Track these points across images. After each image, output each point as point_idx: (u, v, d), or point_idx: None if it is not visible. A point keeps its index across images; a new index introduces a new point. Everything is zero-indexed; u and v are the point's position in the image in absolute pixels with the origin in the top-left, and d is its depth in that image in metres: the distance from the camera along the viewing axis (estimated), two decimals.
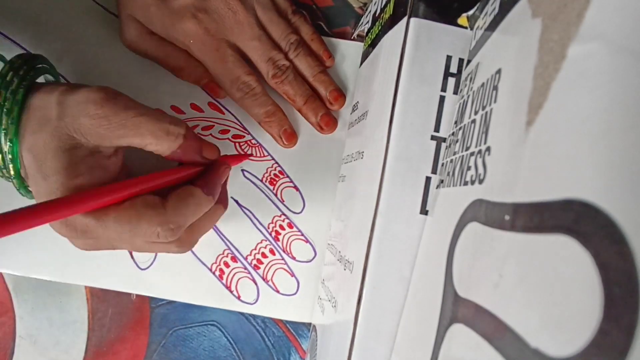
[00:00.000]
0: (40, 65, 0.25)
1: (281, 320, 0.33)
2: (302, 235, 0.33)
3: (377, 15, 0.28)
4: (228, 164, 0.28)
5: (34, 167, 0.22)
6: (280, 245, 0.33)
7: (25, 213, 0.18)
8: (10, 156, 0.22)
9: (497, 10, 0.18)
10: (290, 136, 0.32)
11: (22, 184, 0.24)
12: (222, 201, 0.28)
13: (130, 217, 0.22)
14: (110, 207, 0.22)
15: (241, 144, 0.33)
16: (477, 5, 0.20)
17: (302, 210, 0.33)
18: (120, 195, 0.22)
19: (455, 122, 0.20)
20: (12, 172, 0.23)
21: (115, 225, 0.22)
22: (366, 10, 0.33)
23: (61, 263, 0.31)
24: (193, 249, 0.32)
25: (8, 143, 0.22)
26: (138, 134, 0.23)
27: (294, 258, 0.33)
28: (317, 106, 0.32)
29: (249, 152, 0.33)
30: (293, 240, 0.33)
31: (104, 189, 0.22)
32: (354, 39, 0.34)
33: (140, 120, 0.23)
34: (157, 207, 0.22)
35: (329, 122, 0.32)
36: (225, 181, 0.28)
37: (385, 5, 0.26)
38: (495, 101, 0.16)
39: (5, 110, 0.22)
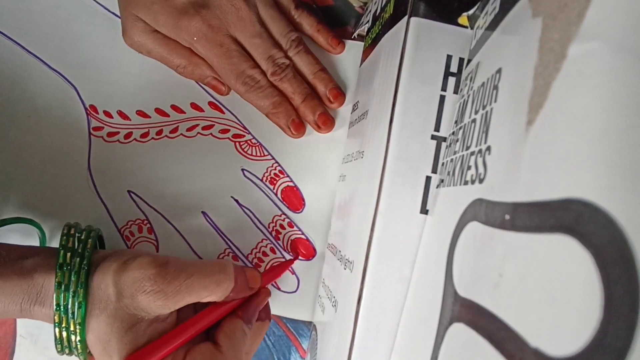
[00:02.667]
0: (90, 238, 0.26)
1: (281, 320, 0.33)
2: (303, 234, 0.33)
3: (377, 14, 0.28)
4: (268, 292, 0.29)
5: (99, 349, 0.23)
6: (281, 244, 0.33)
7: None
8: (78, 338, 0.23)
9: (497, 9, 0.18)
10: (298, 126, 0.32)
11: None
12: (267, 316, 0.29)
13: None
14: None
15: (241, 143, 0.33)
16: (478, 4, 0.20)
17: (303, 209, 0.33)
18: (174, 345, 0.24)
19: (456, 122, 0.20)
20: (79, 351, 0.24)
21: None
22: (366, 9, 0.33)
23: None
24: (194, 248, 0.32)
25: (78, 327, 0.23)
26: (193, 294, 0.24)
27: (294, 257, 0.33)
28: (315, 105, 0.32)
29: (249, 152, 0.33)
30: (293, 239, 0.33)
31: (157, 344, 0.23)
32: (354, 39, 0.34)
33: (193, 281, 0.24)
34: (215, 357, 0.24)
35: (326, 121, 0.32)
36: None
37: (386, 5, 0.26)
38: (495, 100, 0.16)
39: (71, 292, 0.23)
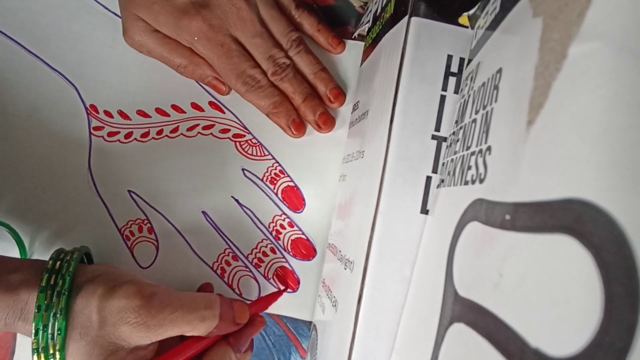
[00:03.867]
0: (73, 260, 0.26)
1: (282, 319, 0.33)
2: (303, 234, 0.33)
3: (378, 14, 0.28)
4: (263, 322, 0.29)
5: None
6: (281, 244, 0.33)
7: None
8: None
9: (498, 9, 0.18)
10: (299, 126, 0.32)
11: None
12: (251, 346, 0.29)
13: None
14: None
15: (241, 143, 0.33)
16: (478, 4, 0.20)
17: (303, 209, 0.33)
18: None
19: (456, 122, 0.20)
20: None
21: None
22: (367, 9, 0.33)
23: None
24: (194, 248, 0.32)
25: (57, 354, 0.23)
26: (176, 328, 0.24)
27: (294, 256, 0.33)
28: (316, 104, 0.32)
29: (249, 152, 0.33)
30: (294, 239, 0.33)
31: None
32: (354, 39, 0.34)
33: (177, 316, 0.24)
34: None
35: (326, 120, 0.32)
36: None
37: (386, 5, 0.26)
38: (496, 100, 0.16)
39: (51, 316, 0.23)
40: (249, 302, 0.29)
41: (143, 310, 0.23)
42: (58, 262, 0.25)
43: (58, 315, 0.23)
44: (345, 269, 0.24)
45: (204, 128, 0.33)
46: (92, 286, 0.24)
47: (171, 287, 0.32)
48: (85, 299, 0.23)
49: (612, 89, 0.10)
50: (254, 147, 0.33)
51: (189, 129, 0.33)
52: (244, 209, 0.33)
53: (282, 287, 0.32)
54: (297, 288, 0.33)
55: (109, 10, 0.33)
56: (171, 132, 0.33)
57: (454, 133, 0.20)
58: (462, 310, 0.15)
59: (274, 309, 0.32)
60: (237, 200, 0.33)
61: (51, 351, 0.23)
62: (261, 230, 0.33)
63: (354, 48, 0.34)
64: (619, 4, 0.10)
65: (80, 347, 0.23)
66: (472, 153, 0.17)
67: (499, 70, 0.16)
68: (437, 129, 0.20)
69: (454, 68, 0.21)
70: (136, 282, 0.25)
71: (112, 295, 0.23)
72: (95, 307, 0.23)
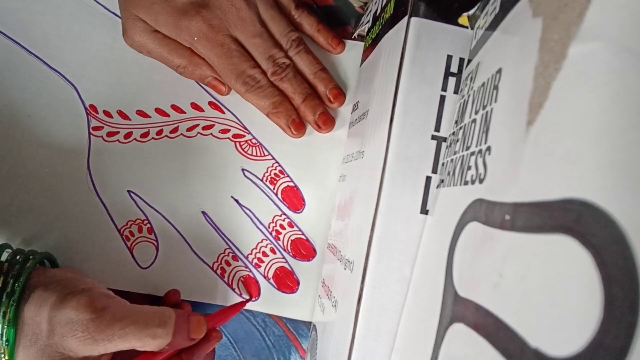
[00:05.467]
0: (30, 263, 0.25)
1: (281, 320, 0.33)
2: (303, 234, 0.33)
3: (377, 14, 0.28)
4: (219, 337, 0.29)
5: None
6: (281, 244, 0.33)
7: None
8: None
9: (497, 9, 0.18)
10: (298, 126, 0.32)
11: None
12: (210, 356, 0.29)
13: None
14: None
15: (241, 143, 0.33)
16: (478, 4, 0.20)
17: (303, 209, 0.33)
18: None
19: (456, 122, 0.20)
20: None
21: None
22: (367, 9, 0.33)
23: (62, 263, 0.31)
24: (194, 248, 0.32)
25: (2, 357, 0.23)
26: (126, 343, 0.24)
27: (294, 257, 0.33)
28: (316, 104, 0.32)
29: (249, 152, 0.33)
30: (294, 239, 0.33)
31: None
32: (354, 39, 0.34)
33: (127, 332, 0.24)
34: None
35: (326, 120, 0.32)
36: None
37: (386, 5, 0.26)
38: (495, 101, 0.16)
39: (3, 319, 0.22)
40: (208, 315, 0.28)
41: (92, 325, 0.23)
42: (14, 265, 0.24)
43: (6, 325, 0.22)
44: (345, 269, 0.24)
45: (204, 128, 0.33)
46: (45, 293, 0.24)
47: (171, 288, 0.32)
48: (38, 306, 0.23)
49: (612, 89, 0.10)
50: (253, 147, 0.33)
51: (189, 129, 0.33)
52: (244, 209, 0.33)
53: (246, 298, 0.32)
54: (297, 289, 0.33)
55: (109, 11, 0.33)
56: (171, 132, 0.33)
57: (453, 133, 0.20)
58: (462, 311, 0.15)
59: (274, 310, 0.32)
60: (237, 201, 0.33)
61: (2, 357, 0.23)
62: (261, 231, 0.33)
63: (353, 48, 0.34)
64: (618, 4, 0.10)
65: (29, 354, 0.23)
66: (472, 153, 0.17)
67: (499, 71, 0.16)
68: (437, 129, 0.20)
69: (454, 68, 0.21)
70: (91, 292, 0.24)
71: (63, 305, 0.23)
72: (45, 315, 0.23)
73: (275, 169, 0.33)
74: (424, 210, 0.20)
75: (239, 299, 0.32)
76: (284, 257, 0.33)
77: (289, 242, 0.33)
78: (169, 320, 0.25)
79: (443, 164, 0.20)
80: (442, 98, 0.21)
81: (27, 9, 0.33)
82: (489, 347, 0.12)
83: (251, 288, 0.32)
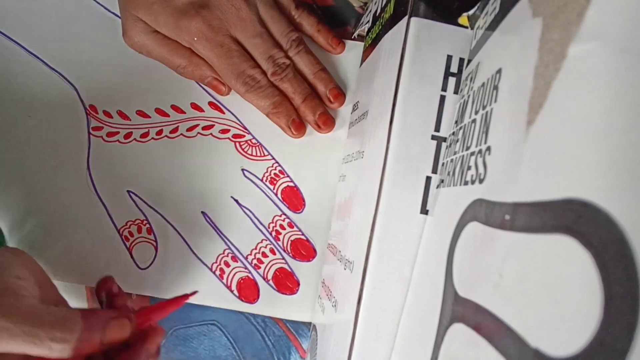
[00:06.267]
0: None
1: (281, 320, 0.33)
2: (303, 234, 0.33)
3: (377, 14, 0.28)
4: (161, 332, 0.25)
5: None
6: (281, 244, 0.33)
7: None
8: None
9: (497, 9, 0.18)
10: (299, 126, 0.32)
11: None
12: (154, 357, 0.24)
13: None
14: None
15: (241, 143, 0.33)
16: (478, 4, 0.20)
17: (303, 209, 0.33)
18: None
19: (456, 122, 0.20)
20: None
21: None
22: (367, 9, 0.33)
23: (61, 263, 0.31)
24: (193, 248, 0.32)
25: None
26: (15, 346, 0.20)
27: (294, 257, 0.33)
28: (316, 104, 0.32)
29: (249, 152, 0.33)
30: (293, 239, 0.33)
31: None
32: (354, 39, 0.34)
33: (16, 331, 0.20)
34: None
35: (326, 121, 0.32)
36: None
37: (386, 5, 0.26)
38: (495, 101, 0.16)
39: None
40: (144, 308, 0.25)
41: None
42: None
43: None
44: (345, 269, 0.24)
45: (204, 128, 0.33)
46: None
47: (170, 289, 0.32)
48: None
49: (611, 89, 0.10)
50: (253, 148, 0.33)
51: (189, 129, 0.33)
52: (244, 209, 0.33)
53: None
54: (297, 290, 0.33)
55: (109, 11, 0.33)
56: (171, 132, 0.33)
57: (453, 133, 0.20)
58: (462, 311, 0.15)
59: (274, 313, 0.32)
60: (236, 201, 0.33)
61: None
62: (261, 231, 0.33)
63: (353, 48, 0.34)
64: (618, 4, 0.10)
65: None
66: (472, 153, 0.17)
67: (499, 71, 0.16)
68: (437, 129, 0.20)
69: (454, 68, 0.21)
70: None
71: None
72: None
73: (275, 169, 0.33)
74: (424, 211, 0.20)
75: (238, 302, 0.32)
76: (283, 258, 0.33)
77: (289, 242, 0.33)
78: (73, 324, 0.21)
79: (443, 164, 0.20)
80: (442, 98, 0.21)
81: (27, 9, 0.33)
82: (489, 347, 0.12)
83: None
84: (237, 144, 0.33)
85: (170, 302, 0.26)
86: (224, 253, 0.33)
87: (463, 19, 0.21)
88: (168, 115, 0.33)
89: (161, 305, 0.25)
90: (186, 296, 0.26)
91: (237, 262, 0.33)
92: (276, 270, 0.33)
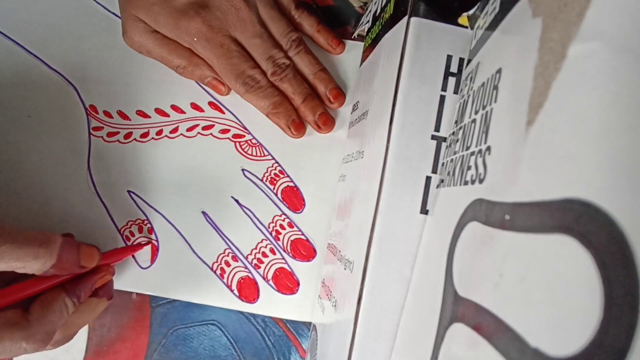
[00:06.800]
0: None
1: (281, 320, 0.33)
2: (303, 234, 0.33)
3: (377, 14, 0.28)
4: (112, 271, 0.28)
5: None
6: (281, 244, 0.33)
7: None
8: None
9: (497, 9, 0.18)
10: (298, 126, 0.32)
11: None
12: (106, 294, 0.28)
13: None
14: None
15: (241, 143, 0.33)
16: (478, 4, 0.20)
17: (303, 209, 0.33)
18: None
19: (456, 122, 0.20)
20: None
21: None
22: (366, 9, 0.33)
23: None
24: (194, 248, 0.32)
25: None
26: (2, 263, 0.22)
27: (294, 257, 0.33)
28: (315, 105, 0.32)
29: (249, 152, 0.33)
30: (293, 239, 0.33)
31: None
32: (354, 39, 0.34)
33: (3, 250, 0.22)
34: (18, 324, 0.22)
35: (326, 121, 0.32)
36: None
37: (386, 5, 0.26)
38: (495, 101, 0.16)
39: None
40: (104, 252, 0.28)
41: None
42: None
43: None
44: (345, 269, 0.24)
45: (204, 128, 0.33)
46: None
47: (171, 288, 0.32)
48: None
49: (611, 89, 0.10)
50: (253, 148, 0.33)
51: (189, 129, 0.33)
52: (244, 209, 0.33)
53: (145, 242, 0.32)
54: (297, 290, 0.33)
55: (109, 11, 0.33)
56: (171, 132, 0.33)
57: (453, 133, 0.20)
58: (462, 310, 0.15)
59: (273, 313, 0.32)
60: (237, 201, 0.33)
61: None
62: (261, 231, 0.33)
63: (353, 48, 0.34)
64: (618, 4, 0.10)
65: None
66: (472, 153, 0.17)
67: (499, 71, 0.16)
68: (437, 129, 0.20)
69: (454, 68, 0.21)
70: None
71: None
72: None
73: (275, 169, 0.33)
74: (424, 210, 0.20)
75: (238, 302, 0.32)
76: (283, 258, 0.33)
77: (289, 242, 0.33)
78: (52, 243, 0.24)
79: (443, 164, 0.20)
80: (442, 98, 0.21)
81: (27, 9, 0.33)
82: (489, 347, 0.12)
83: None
84: (237, 144, 0.33)
85: (127, 248, 0.30)
86: (224, 252, 0.33)
87: (463, 19, 0.21)
88: (168, 115, 0.33)
89: (119, 250, 0.30)
90: (143, 245, 0.31)
91: (237, 261, 0.33)
92: (276, 270, 0.33)
